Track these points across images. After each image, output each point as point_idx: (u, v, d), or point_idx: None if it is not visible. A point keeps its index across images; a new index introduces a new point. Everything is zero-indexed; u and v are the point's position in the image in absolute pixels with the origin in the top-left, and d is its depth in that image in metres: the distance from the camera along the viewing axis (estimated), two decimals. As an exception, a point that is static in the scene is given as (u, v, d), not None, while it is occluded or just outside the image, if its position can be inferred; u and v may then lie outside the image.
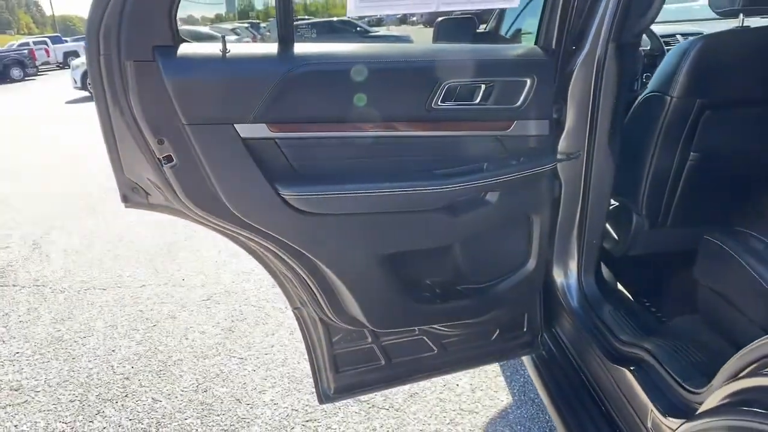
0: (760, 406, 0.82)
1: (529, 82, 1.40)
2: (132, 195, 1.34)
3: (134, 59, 1.11)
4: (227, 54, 1.16)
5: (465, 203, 1.42)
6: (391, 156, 1.34)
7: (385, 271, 1.42)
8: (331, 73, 1.24)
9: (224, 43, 1.16)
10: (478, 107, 1.39)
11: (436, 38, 2.55)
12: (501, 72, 1.39)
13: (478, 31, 2.68)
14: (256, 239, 1.34)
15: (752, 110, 1.60)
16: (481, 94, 1.37)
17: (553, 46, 1.46)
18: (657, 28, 2.92)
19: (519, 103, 1.41)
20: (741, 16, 1.58)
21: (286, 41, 1.22)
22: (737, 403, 0.90)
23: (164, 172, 1.22)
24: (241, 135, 1.20)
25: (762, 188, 1.73)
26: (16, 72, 20.23)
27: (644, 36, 2.77)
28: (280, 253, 1.37)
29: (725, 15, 1.60)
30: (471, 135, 1.42)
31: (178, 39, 1.14)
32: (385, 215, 1.35)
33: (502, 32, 2.70)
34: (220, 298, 3.21)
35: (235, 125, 1.19)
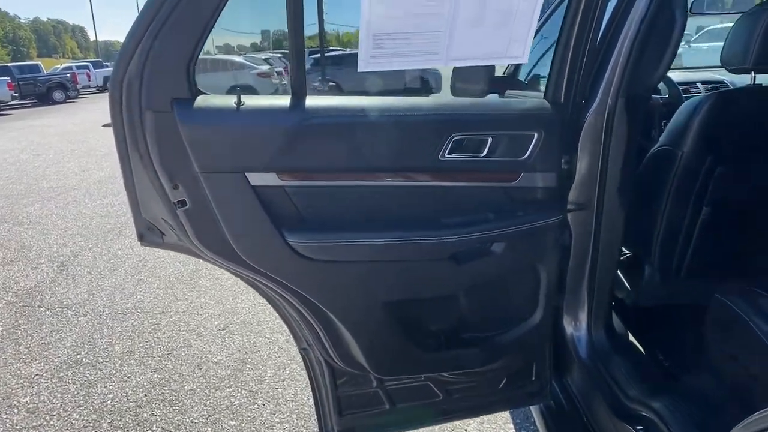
0: None
1: (536, 135, 1.42)
2: (148, 234, 1.39)
3: (153, 109, 1.18)
4: (241, 106, 1.22)
5: (470, 253, 1.43)
6: (398, 206, 1.37)
7: (388, 319, 1.44)
8: (339, 125, 1.28)
9: (239, 96, 1.21)
10: (485, 159, 1.41)
11: (454, 81, 2.59)
12: (508, 126, 1.41)
13: (495, 75, 2.72)
14: (263, 282, 1.37)
15: (763, 167, 1.59)
16: (488, 146, 1.40)
17: (562, 100, 1.49)
18: (676, 75, 2.92)
19: (526, 155, 1.43)
20: (752, 73, 1.58)
21: (298, 94, 1.27)
22: None
23: (178, 214, 1.28)
24: (252, 183, 1.24)
25: None
26: (58, 95, 21.12)
27: (662, 84, 2.77)
28: (286, 296, 1.40)
29: (736, 72, 1.61)
30: (478, 186, 1.44)
31: (196, 91, 1.20)
32: (389, 263, 1.38)
33: (520, 77, 2.73)
34: (235, 328, 3.25)
35: (245, 173, 1.24)
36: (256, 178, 1.25)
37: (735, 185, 1.63)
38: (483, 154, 1.41)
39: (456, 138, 1.36)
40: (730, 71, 1.62)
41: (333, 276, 1.35)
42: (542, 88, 2.71)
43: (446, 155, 1.37)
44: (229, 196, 1.24)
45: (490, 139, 1.40)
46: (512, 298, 1.60)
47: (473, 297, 1.55)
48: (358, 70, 1.29)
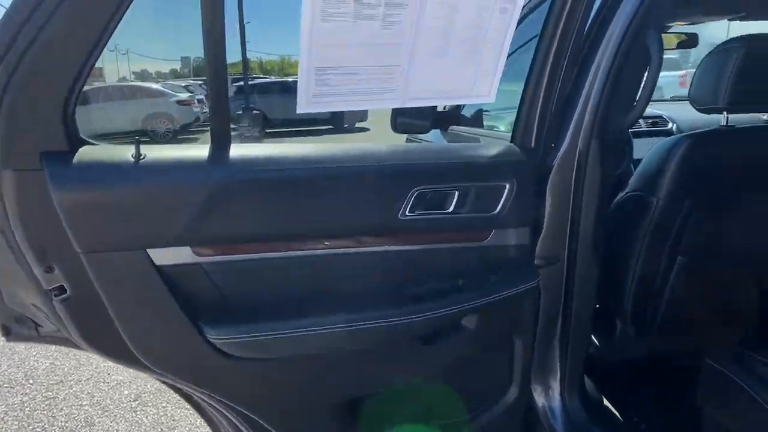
0: None
1: (508, 186, 1.22)
2: (16, 327, 1.06)
3: (14, 168, 0.85)
4: (141, 160, 0.91)
5: (439, 331, 1.19)
6: (351, 278, 1.11)
7: (339, 423, 1.15)
8: (275, 180, 1.01)
9: (138, 146, 0.91)
10: (451, 216, 1.19)
11: (395, 116, 2.38)
12: (477, 176, 1.20)
13: (438, 110, 2.54)
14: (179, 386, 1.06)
15: (741, 214, 1.48)
16: (455, 200, 1.17)
17: (533, 144, 1.30)
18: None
19: (498, 209, 1.22)
20: (725, 114, 1.47)
21: (220, 142, 0.99)
22: None
23: (55, 305, 0.94)
24: (156, 262, 0.93)
25: (757, 296, 1.60)
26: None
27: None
28: (209, 401, 1.09)
29: (707, 112, 1.50)
30: (443, 248, 1.21)
31: (77, 141, 0.89)
32: (341, 356, 1.10)
33: (461, 111, 2.58)
34: (149, 398, 2.81)
35: (147, 250, 0.93)
36: (163, 256, 0.94)
37: (711, 232, 1.51)
38: (450, 210, 1.18)
39: (418, 192, 1.13)
40: (700, 110, 1.51)
41: (270, 378, 1.05)
42: (486, 123, 2.58)
43: (407, 213, 1.12)
44: (125, 282, 0.93)
45: (456, 193, 1.17)
46: (484, 376, 1.37)
47: (439, 381, 1.30)
48: (297, 111, 1.02)
